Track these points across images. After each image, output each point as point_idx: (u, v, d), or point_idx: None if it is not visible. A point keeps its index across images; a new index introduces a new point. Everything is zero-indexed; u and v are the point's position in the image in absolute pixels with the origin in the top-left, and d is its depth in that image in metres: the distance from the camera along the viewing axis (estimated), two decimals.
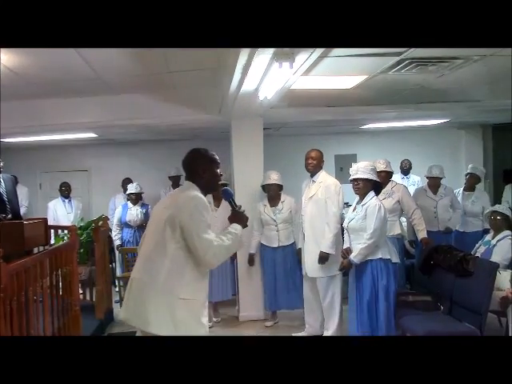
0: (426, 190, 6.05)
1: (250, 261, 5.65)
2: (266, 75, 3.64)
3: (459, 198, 6.23)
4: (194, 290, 2.63)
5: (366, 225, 4.11)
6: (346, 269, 4.31)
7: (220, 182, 5.57)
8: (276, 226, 5.41)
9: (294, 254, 5.33)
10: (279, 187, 5.47)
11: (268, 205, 5.48)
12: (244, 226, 2.80)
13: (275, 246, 5.44)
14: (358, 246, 4.16)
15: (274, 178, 5.42)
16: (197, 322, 2.63)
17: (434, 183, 6.04)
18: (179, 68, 4.56)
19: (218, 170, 2.81)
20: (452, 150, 9.05)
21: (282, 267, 5.42)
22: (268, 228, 5.47)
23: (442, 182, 6.14)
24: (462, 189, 6.41)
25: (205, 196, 2.73)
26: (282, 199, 5.46)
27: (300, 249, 5.10)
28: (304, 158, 4.94)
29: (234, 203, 2.85)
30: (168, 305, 2.54)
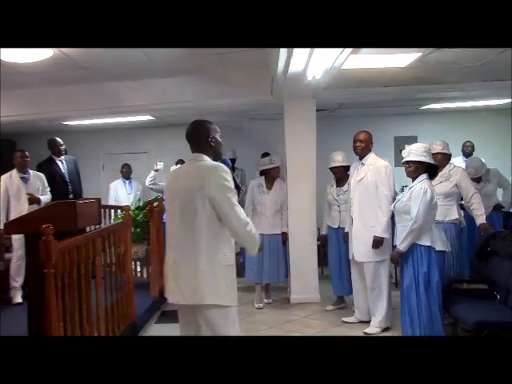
0: (467, 173, 5.77)
1: (322, 243, 5.70)
2: (312, 55, 3.56)
3: None
4: (231, 257, 2.70)
5: (409, 207, 3.94)
6: (396, 260, 4.07)
7: (271, 166, 5.68)
8: (338, 206, 5.36)
9: None
10: (345, 168, 5.38)
11: (334, 185, 5.45)
12: None
13: (336, 226, 5.39)
14: (401, 230, 4.03)
15: (338, 159, 5.35)
16: (235, 287, 2.74)
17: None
18: (229, 49, 4.54)
19: (220, 138, 2.84)
20: None
21: (345, 250, 5.22)
22: (333, 208, 5.46)
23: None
24: None
25: None
26: (349, 180, 5.35)
27: (347, 233, 5.01)
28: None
29: (233, 177, 2.78)
30: (215, 273, 2.61)
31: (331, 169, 5.43)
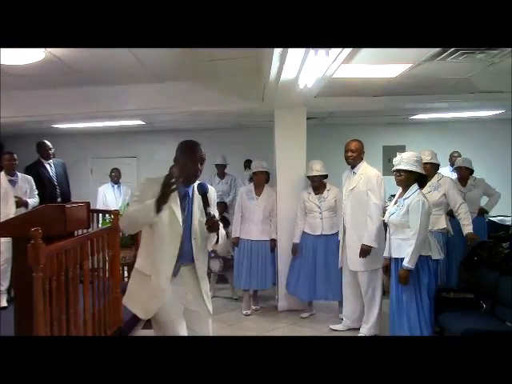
0: (454, 183, 5.87)
1: (294, 251, 5.59)
2: (305, 63, 3.59)
3: None
4: (144, 262, 2.92)
5: (406, 221, 3.93)
6: (407, 280, 3.90)
7: (259, 170, 5.68)
8: (320, 213, 5.36)
9: (336, 243, 5.18)
10: (323, 176, 5.42)
11: (313, 193, 5.45)
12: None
13: (318, 233, 5.37)
14: (397, 243, 4.02)
15: (317, 168, 5.35)
16: (139, 290, 2.94)
17: (462, 175, 6.07)
18: (221, 56, 4.57)
19: (191, 162, 2.81)
20: (507, 143, 8.64)
21: (323, 256, 5.33)
22: (312, 216, 5.42)
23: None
24: None
25: (186, 185, 2.87)
26: (327, 188, 5.41)
27: (340, 241, 5.03)
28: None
29: (207, 202, 2.83)
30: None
31: (309, 177, 5.45)
